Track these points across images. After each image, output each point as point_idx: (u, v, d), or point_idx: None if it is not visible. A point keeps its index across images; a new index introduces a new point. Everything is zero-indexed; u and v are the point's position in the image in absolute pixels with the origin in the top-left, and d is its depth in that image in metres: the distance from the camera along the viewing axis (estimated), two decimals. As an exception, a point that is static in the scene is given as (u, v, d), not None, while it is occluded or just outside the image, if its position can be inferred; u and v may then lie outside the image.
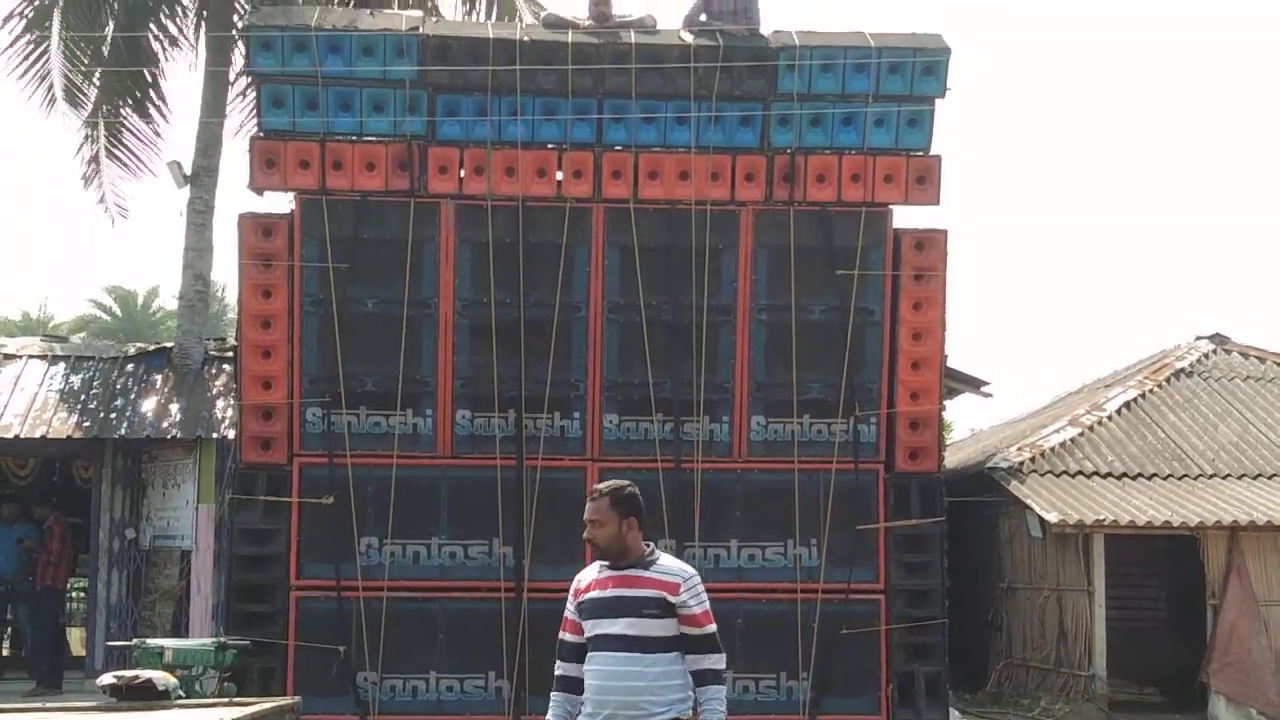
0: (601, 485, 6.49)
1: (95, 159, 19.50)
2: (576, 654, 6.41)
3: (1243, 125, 66.74)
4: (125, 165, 19.62)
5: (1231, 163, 67.45)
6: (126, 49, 18.52)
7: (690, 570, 6.36)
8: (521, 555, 11.77)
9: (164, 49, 19.28)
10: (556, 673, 6.46)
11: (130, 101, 19.32)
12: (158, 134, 19.60)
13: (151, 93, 19.42)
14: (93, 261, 69.87)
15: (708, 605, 6.35)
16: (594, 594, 6.36)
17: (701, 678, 6.33)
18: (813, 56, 12.11)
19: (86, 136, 19.43)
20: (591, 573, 6.46)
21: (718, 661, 6.37)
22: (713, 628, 6.37)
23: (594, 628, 6.31)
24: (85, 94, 19.09)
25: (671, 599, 6.24)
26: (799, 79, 12.10)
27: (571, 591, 6.46)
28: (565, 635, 6.49)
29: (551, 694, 6.42)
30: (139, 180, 19.89)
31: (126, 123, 19.37)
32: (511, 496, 11.82)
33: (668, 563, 6.40)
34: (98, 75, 18.80)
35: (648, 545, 6.41)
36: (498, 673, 11.73)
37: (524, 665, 11.64)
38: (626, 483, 6.51)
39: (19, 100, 18.89)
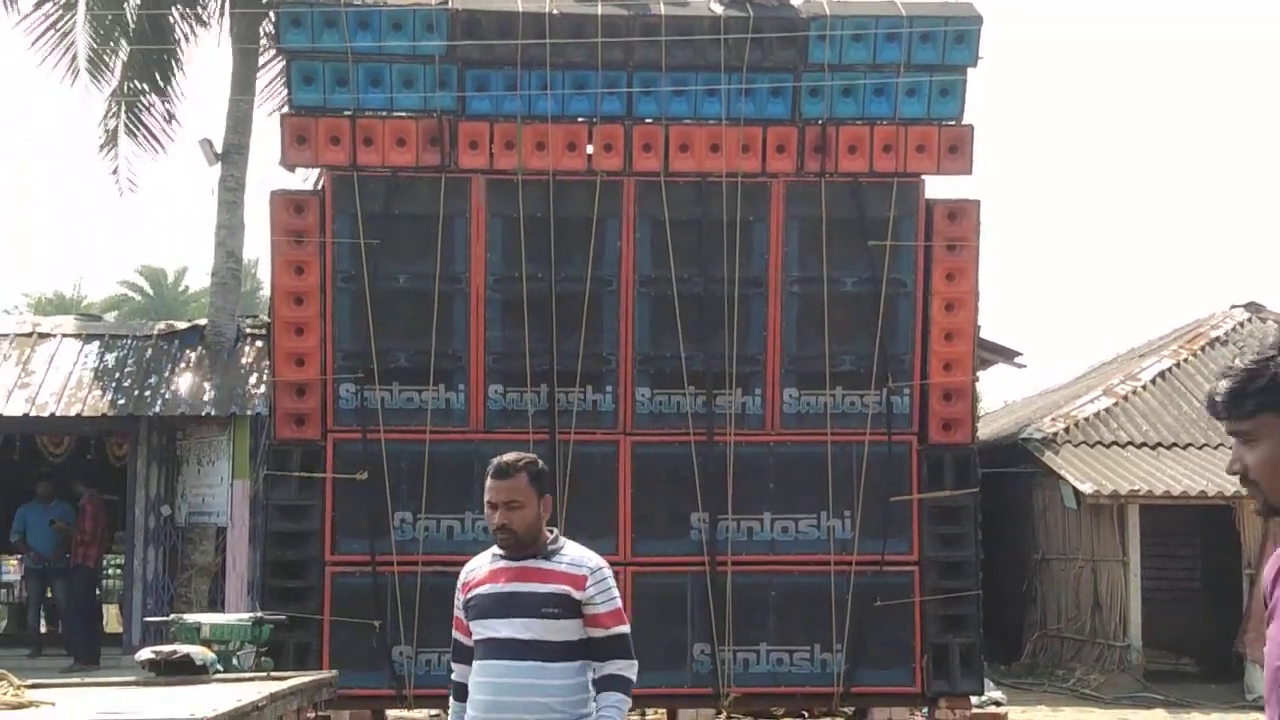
0: (508, 457, 5.46)
1: (114, 133, 19.59)
2: (465, 657, 5.59)
3: (1277, 95, 66.21)
4: (143, 142, 19.69)
5: (1269, 130, 66.97)
6: (151, 27, 18.58)
7: (599, 561, 5.47)
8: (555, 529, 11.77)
9: (190, 28, 19.34)
10: (452, 677, 5.73)
11: (151, 80, 19.38)
12: (172, 115, 19.63)
13: (173, 72, 19.49)
14: (124, 242, 70.26)
15: (618, 603, 5.47)
16: (484, 589, 5.43)
17: (603, 683, 5.38)
18: (843, 26, 12.04)
19: (108, 111, 19.53)
20: (483, 563, 5.56)
21: (627, 668, 5.42)
22: (623, 629, 5.46)
23: (483, 629, 5.40)
24: (110, 67, 19.17)
25: (576, 595, 5.32)
26: (830, 49, 12.03)
27: (459, 584, 5.61)
28: (457, 636, 5.64)
29: (451, 702, 5.68)
30: (156, 158, 20.09)
31: (146, 100, 19.45)
32: (544, 471, 11.81)
33: (574, 552, 5.47)
34: (120, 48, 18.87)
35: (550, 531, 5.50)
36: (533, 646, 11.74)
37: (558, 639, 11.64)
38: (534, 455, 5.61)
39: (44, 71, 18.89)
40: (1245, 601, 16.35)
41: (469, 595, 5.52)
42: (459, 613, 5.59)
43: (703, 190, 12.04)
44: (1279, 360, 2.56)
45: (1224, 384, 2.65)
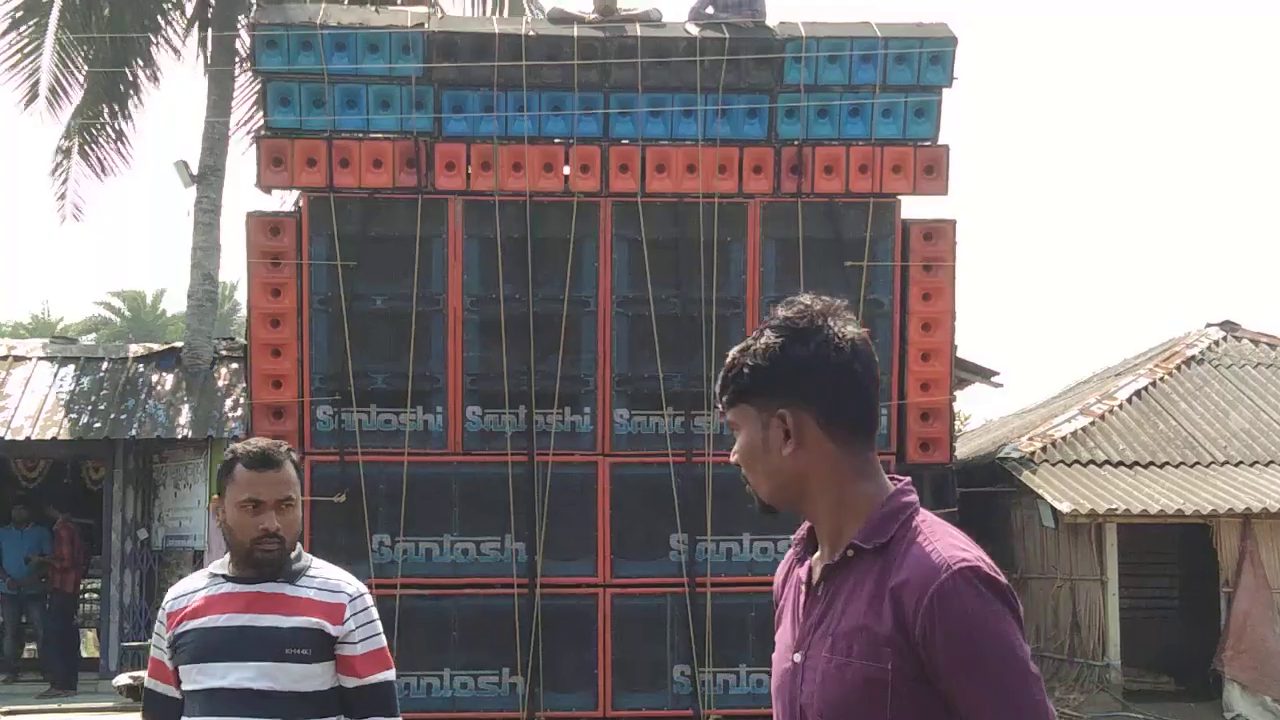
0: (264, 442, 4.20)
1: (66, 154, 19.48)
2: (168, 714, 4.15)
3: (1251, 114, 66.63)
4: (94, 165, 19.54)
5: (1241, 150, 67.37)
6: (121, 50, 18.51)
7: (358, 586, 4.20)
8: (534, 551, 11.76)
9: (161, 49, 19.30)
10: None
11: (116, 103, 19.29)
12: (121, 133, 19.50)
13: (139, 93, 19.41)
14: (100, 265, 70.03)
15: (383, 642, 4.23)
16: (203, 622, 4.04)
17: None
18: (819, 48, 12.08)
19: (80, 140, 19.41)
20: (196, 585, 4.16)
21: None
22: (387, 676, 4.21)
23: (200, 677, 4.02)
24: (70, 95, 19.08)
25: (331, 630, 4.05)
26: (805, 70, 12.08)
27: (162, 615, 4.19)
28: (151, 683, 4.20)
29: None
30: (120, 181, 19.97)
31: (113, 126, 19.36)
32: (523, 493, 11.81)
33: (326, 573, 4.18)
34: (84, 76, 18.79)
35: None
36: (512, 669, 11.73)
37: (538, 661, 11.64)
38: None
39: (11, 97, 18.75)
40: (1223, 619, 16.37)
41: (179, 630, 4.07)
42: (159, 654, 4.17)
43: (679, 211, 12.06)
44: (751, 351, 2.59)
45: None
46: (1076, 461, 17.90)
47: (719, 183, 12.03)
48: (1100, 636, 16.71)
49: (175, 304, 45.70)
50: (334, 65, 11.80)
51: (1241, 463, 18.01)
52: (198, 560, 16.58)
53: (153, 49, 19.21)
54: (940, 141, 12.28)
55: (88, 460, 18.02)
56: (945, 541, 2.47)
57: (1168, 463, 17.99)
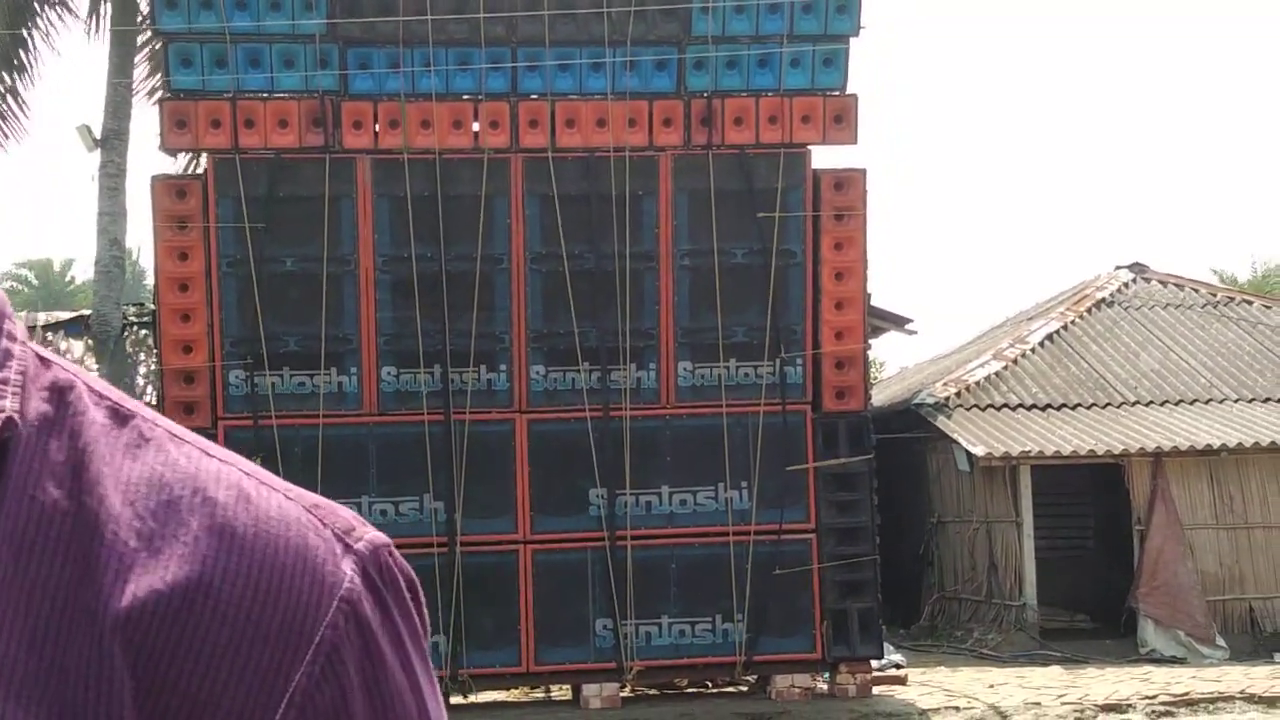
0: None
1: None
2: None
3: (1158, 57, 67.35)
4: (2, 133, 19.14)
5: (1149, 93, 68.12)
6: (11, 13, 18.13)
7: None
8: (453, 510, 11.73)
9: (57, 16, 18.92)
10: None
11: (10, 67, 18.91)
12: (19, 98, 19.14)
13: (30, 59, 19.02)
14: (7, 235, 68.84)
15: None
16: None
17: None
18: (726, -2, 12.05)
19: None
20: None
21: None
22: None
23: None
24: None
25: None
26: (713, 21, 12.05)
27: None
28: None
29: None
30: (29, 149, 19.55)
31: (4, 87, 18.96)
32: (440, 452, 11.77)
33: None
34: None
35: None
36: (434, 628, 11.71)
37: (460, 619, 11.63)
38: None
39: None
40: (1136, 558, 16.64)
41: None
42: None
43: (590, 165, 12.01)
44: None
45: None
46: (990, 405, 18.09)
47: (629, 136, 12.00)
48: (1016, 577, 16.94)
49: (84, 272, 45.06)
50: (236, 24, 11.62)
51: (1152, 403, 18.28)
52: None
53: (46, 8, 18.82)
54: (849, 90, 12.31)
55: (-4, 431, 17.74)
56: (240, 461, 0.84)
57: (1080, 404, 18.23)
